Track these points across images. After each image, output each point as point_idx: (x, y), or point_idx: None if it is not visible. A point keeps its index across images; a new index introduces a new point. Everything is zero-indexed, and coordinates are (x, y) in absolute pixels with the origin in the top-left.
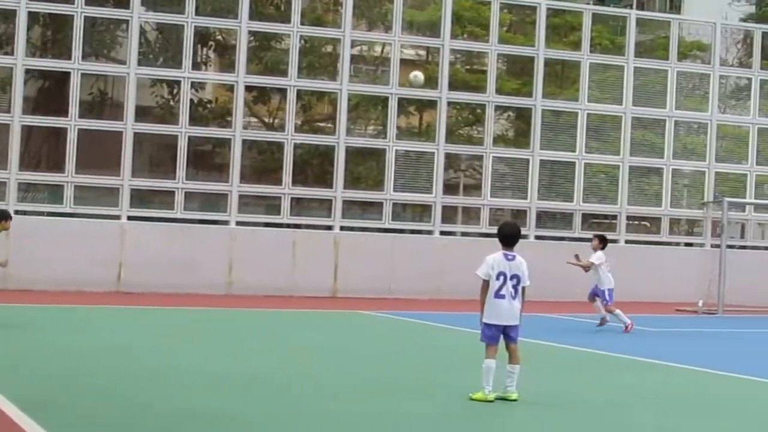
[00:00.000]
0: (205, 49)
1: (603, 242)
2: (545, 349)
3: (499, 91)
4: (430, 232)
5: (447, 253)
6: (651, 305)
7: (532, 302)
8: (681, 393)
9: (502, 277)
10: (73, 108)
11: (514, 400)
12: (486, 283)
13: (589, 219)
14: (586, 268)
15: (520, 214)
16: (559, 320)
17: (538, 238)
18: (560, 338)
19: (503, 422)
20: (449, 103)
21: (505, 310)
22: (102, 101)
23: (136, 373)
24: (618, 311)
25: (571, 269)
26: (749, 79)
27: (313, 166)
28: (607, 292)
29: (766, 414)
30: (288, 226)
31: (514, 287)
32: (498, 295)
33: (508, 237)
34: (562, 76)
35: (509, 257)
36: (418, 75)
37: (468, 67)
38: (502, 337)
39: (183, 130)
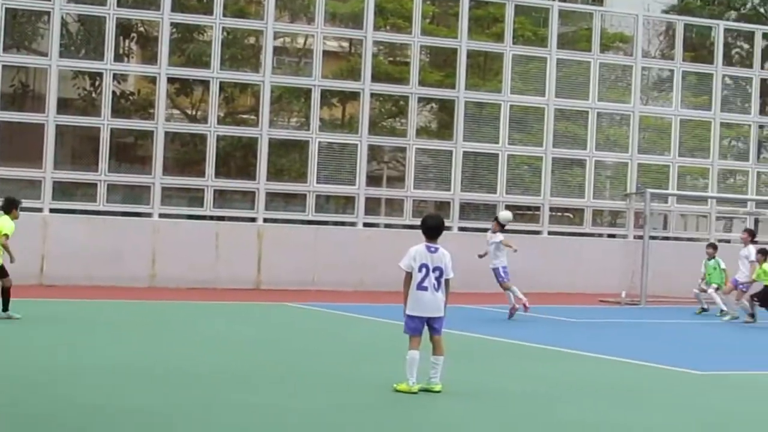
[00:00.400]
0: (127, 41)
1: (501, 225)
2: (469, 341)
3: (422, 82)
4: (353, 224)
5: (370, 244)
6: (574, 296)
7: (455, 293)
8: (604, 383)
9: (424, 269)
10: None
11: (438, 392)
12: (408, 275)
13: (512, 210)
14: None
15: (443, 206)
16: (482, 311)
17: (461, 229)
18: (484, 329)
19: (426, 413)
20: (372, 95)
21: (427, 302)
22: (24, 93)
23: (57, 367)
24: (514, 288)
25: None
26: (671, 71)
27: (236, 158)
28: (501, 270)
29: (686, 404)
30: (211, 218)
31: (437, 279)
32: (420, 287)
33: (431, 229)
34: (485, 68)
35: (432, 249)
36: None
37: (391, 58)
38: (426, 328)
39: (105, 122)
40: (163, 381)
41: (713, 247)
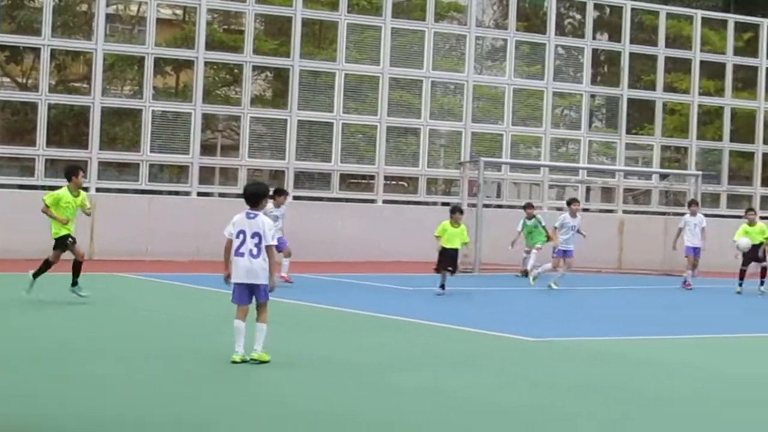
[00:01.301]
0: None
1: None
2: (302, 309)
3: (257, 51)
4: (187, 193)
5: (205, 214)
6: (409, 264)
7: (292, 263)
8: (438, 351)
9: (241, 235)
10: None
11: (267, 361)
12: (230, 242)
13: (347, 179)
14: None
15: (278, 175)
16: (316, 280)
17: (296, 198)
18: (316, 298)
19: (261, 383)
20: (206, 63)
21: (244, 267)
22: None
23: None
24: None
25: (332, 230)
26: (505, 40)
27: (68, 127)
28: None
29: (517, 370)
30: (43, 188)
31: (256, 246)
32: (237, 253)
33: (250, 196)
34: (320, 37)
35: (251, 216)
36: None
37: (225, 26)
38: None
39: None
40: None
41: (531, 206)
